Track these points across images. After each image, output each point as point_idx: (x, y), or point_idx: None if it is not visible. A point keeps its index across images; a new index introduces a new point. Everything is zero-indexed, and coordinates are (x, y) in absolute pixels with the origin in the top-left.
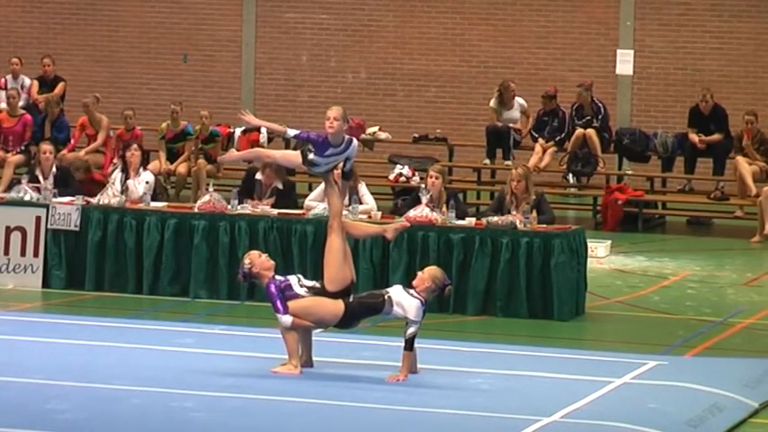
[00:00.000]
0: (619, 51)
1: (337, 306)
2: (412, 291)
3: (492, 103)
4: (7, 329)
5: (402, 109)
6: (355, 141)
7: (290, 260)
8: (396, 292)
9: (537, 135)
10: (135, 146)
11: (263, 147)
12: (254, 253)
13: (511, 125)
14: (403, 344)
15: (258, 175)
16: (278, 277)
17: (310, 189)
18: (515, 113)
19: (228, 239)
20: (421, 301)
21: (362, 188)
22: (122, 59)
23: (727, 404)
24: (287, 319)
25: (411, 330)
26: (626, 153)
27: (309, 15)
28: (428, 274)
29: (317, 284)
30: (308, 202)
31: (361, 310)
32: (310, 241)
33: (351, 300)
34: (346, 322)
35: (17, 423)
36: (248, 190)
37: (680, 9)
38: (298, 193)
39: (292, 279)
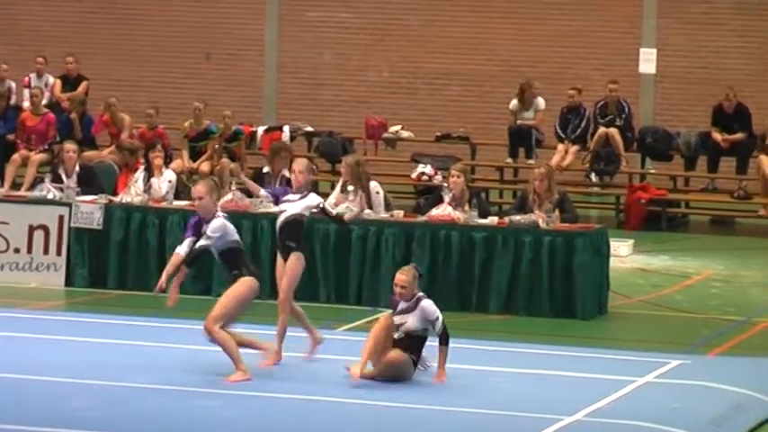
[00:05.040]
0: (642, 50)
1: (248, 284)
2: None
3: (512, 105)
4: (30, 328)
5: (425, 108)
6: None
7: (312, 259)
8: (421, 315)
9: (562, 135)
10: (159, 147)
11: (286, 145)
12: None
13: (530, 123)
14: (438, 341)
15: (266, 168)
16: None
17: (332, 188)
18: (533, 113)
19: (251, 238)
20: (426, 298)
21: (374, 188)
22: (145, 58)
23: (751, 404)
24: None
25: (440, 325)
26: (649, 152)
27: (332, 14)
28: (407, 280)
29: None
30: (328, 201)
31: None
32: (333, 240)
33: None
34: None
35: (40, 422)
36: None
37: (703, 7)
38: (321, 192)
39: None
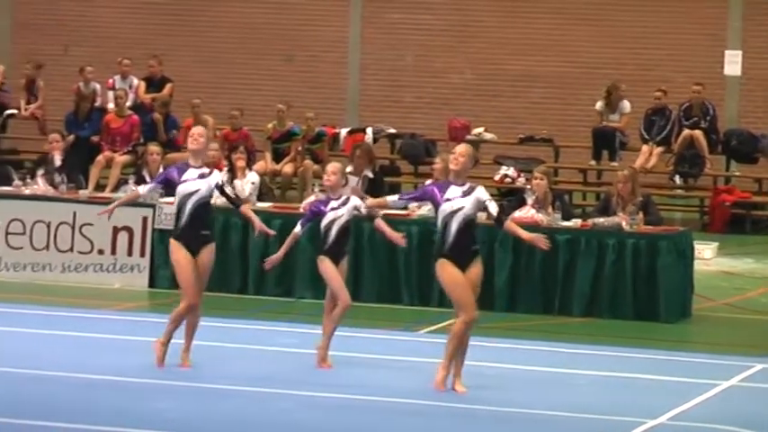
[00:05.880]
0: (727, 52)
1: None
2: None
3: (598, 105)
4: (114, 329)
5: (507, 110)
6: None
7: (395, 260)
8: (475, 200)
9: (647, 136)
10: (241, 149)
11: (368, 146)
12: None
13: (615, 125)
14: (499, 223)
15: (348, 168)
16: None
17: (415, 189)
18: (619, 116)
19: None
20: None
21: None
22: (228, 60)
23: None
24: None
25: (495, 204)
26: (734, 154)
27: (414, 16)
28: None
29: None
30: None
31: None
32: (416, 242)
33: None
34: None
35: (122, 422)
36: None
37: None
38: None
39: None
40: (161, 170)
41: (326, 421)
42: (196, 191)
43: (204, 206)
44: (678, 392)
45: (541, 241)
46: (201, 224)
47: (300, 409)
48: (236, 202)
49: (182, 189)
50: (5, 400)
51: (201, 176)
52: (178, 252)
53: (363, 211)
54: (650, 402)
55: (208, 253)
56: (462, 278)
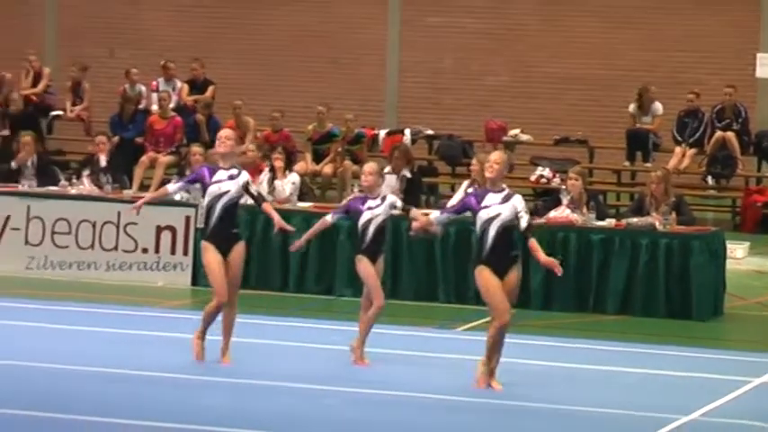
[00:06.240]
0: (759, 55)
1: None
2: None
3: (631, 107)
4: (157, 326)
5: (543, 111)
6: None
7: (432, 261)
8: (512, 207)
9: (680, 138)
10: (279, 149)
11: (405, 146)
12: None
13: (648, 127)
14: (525, 238)
15: (386, 168)
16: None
17: (453, 190)
18: (651, 118)
19: None
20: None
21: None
22: (269, 63)
23: None
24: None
25: (528, 218)
26: (765, 155)
27: (453, 19)
28: (495, 161)
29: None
30: (450, 203)
31: None
32: (452, 242)
33: None
34: None
35: (168, 417)
36: None
37: None
38: (440, 194)
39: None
40: None
41: (369, 417)
42: (226, 192)
43: (233, 206)
44: (710, 389)
45: (556, 267)
46: (231, 223)
47: (344, 406)
48: (258, 199)
49: (212, 190)
50: (53, 396)
51: (231, 177)
52: (209, 253)
53: (399, 205)
54: (683, 399)
55: (238, 251)
56: (496, 284)
